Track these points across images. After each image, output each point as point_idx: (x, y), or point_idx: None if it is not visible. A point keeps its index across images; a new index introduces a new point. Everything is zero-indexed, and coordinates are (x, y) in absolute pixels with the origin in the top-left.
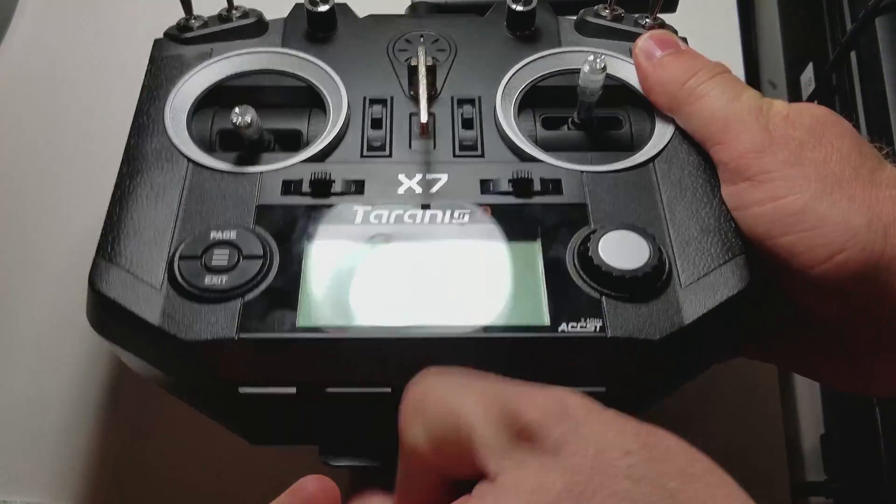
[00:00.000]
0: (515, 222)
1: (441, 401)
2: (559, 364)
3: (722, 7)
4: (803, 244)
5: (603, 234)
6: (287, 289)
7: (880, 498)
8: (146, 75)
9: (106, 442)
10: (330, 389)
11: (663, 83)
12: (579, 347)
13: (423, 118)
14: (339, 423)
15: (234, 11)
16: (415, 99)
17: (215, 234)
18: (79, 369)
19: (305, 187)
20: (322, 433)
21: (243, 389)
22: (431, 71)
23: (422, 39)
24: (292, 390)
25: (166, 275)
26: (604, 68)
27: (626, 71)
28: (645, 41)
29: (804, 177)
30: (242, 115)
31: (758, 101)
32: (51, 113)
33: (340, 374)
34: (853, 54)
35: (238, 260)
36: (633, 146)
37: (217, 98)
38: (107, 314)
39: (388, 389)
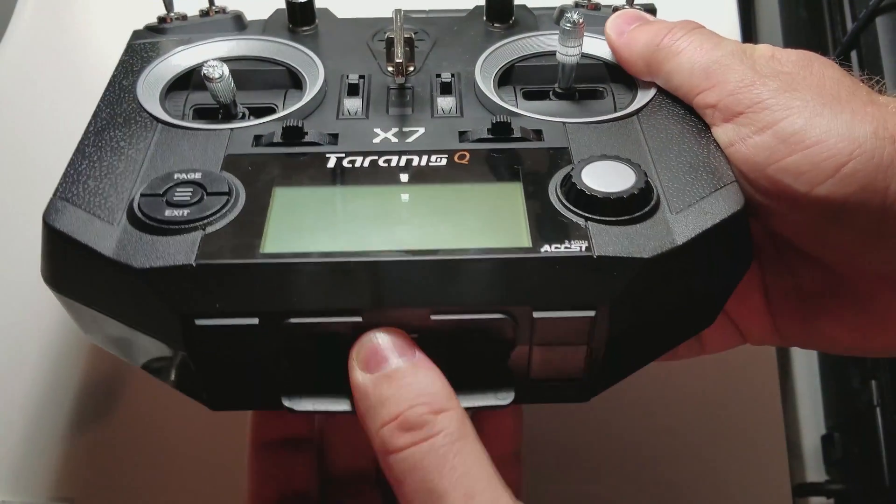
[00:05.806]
0: (495, 164)
1: None
2: (545, 287)
3: (722, 7)
4: (807, 161)
5: (586, 164)
6: (252, 223)
7: (881, 498)
8: (121, 56)
9: (106, 442)
10: (294, 320)
11: (638, 50)
12: (564, 268)
13: (399, 57)
14: (302, 370)
15: (213, 7)
16: (393, 72)
17: (179, 175)
18: (79, 369)
19: (277, 138)
20: (285, 385)
21: (200, 321)
22: (409, 42)
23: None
24: (254, 321)
25: (125, 213)
26: (581, 22)
27: (605, 49)
28: (613, 20)
29: (800, 98)
30: (215, 68)
31: (739, 45)
32: (51, 110)
33: (306, 302)
34: (854, 54)
35: (202, 197)
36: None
37: (191, 82)
38: (59, 255)
39: (359, 319)
